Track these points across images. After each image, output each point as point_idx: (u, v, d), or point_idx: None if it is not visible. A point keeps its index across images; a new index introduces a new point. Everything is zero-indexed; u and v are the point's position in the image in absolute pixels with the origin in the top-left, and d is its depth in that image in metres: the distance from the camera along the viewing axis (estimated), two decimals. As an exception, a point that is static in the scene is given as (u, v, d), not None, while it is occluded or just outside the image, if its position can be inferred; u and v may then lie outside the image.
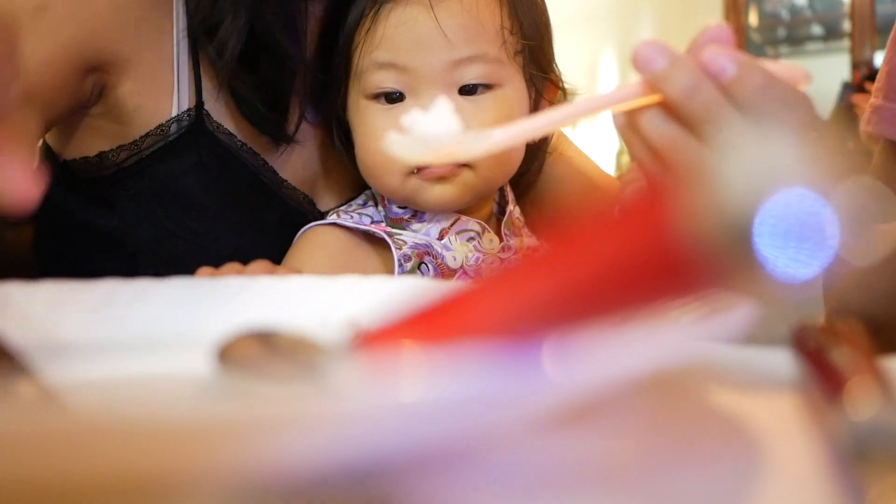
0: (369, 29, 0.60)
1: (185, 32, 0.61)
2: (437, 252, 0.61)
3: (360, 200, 0.67)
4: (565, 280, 0.22)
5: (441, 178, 0.59)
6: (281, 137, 0.63)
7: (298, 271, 0.54)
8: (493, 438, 0.22)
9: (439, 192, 0.60)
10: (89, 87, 0.59)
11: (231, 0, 0.58)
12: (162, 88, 0.61)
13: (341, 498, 0.19)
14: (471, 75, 0.58)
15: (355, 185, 0.70)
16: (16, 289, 0.35)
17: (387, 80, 0.59)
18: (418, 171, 0.59)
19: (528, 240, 0.67)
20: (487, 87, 0.59)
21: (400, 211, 0.64)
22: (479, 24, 0.59)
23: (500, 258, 0.63)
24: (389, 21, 0.59)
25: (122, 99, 0.61)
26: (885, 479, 0.17)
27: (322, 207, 0.68)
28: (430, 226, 0.63)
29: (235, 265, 0.52)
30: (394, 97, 0.59)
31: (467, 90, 0.59)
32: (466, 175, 0.60)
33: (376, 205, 0.66)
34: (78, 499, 0.16)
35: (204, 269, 0.52)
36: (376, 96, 0.60)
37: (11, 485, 0.16)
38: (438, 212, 0.62)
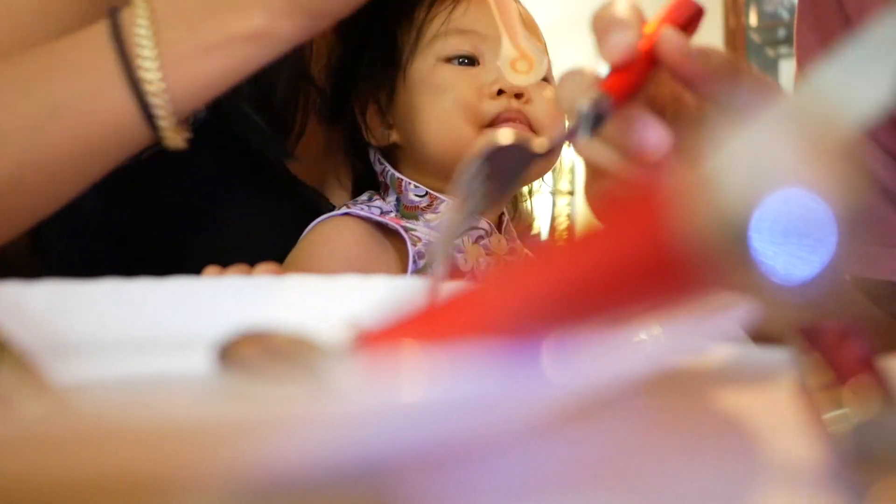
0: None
1: None
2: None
3: (364, 196, 0.68)
4: (565, 280, 0.22)
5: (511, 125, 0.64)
6: (282, 154, 0.64)
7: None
8: (493, 438, 0.22)
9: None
10: None
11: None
12: None
13: (341, 498, 0.19)
14: None
15: (362, 183, 0.71)
16: (16, 288, 0.34)
17: (465, 45, 0.65)
18: (492, 123, 0.64)
19: (523, 247, 0.69)
20: None
21: (417, 199, 0.65)
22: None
23: (507, 260, 0.64)
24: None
25: None
26: (885, 479, 0.17)
27: (333, 201, 0.69)
28: (444, 216, 0.64)
29: (243, 266, 0.52)
30: (463, 62, 0.66)
31: None
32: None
33: (383, 197, 0.67)
34: (78, 499, 0.16)
35: (211, 269, 0.52)
36: (450, 59, 0.66)
37: (12, 484, 0.16)
38: None
